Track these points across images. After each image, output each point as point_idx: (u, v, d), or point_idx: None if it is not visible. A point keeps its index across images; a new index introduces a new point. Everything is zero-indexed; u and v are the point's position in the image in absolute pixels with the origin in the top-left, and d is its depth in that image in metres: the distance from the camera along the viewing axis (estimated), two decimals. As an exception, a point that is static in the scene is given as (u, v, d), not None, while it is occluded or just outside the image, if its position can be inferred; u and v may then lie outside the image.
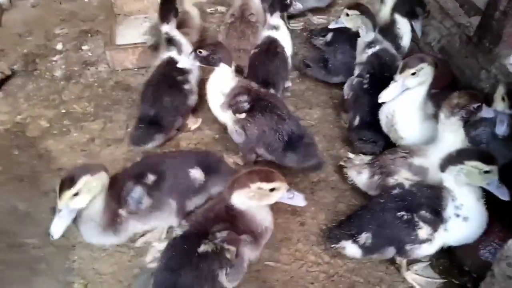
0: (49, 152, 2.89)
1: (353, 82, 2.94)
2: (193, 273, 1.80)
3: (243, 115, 2.56)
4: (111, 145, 2.96)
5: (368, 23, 2.88)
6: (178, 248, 1.88)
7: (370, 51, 2.90)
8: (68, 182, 1.90)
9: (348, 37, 3.16)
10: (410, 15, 3.16)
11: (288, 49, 3.21)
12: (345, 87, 3.01)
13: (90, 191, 1.94)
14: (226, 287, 1.90)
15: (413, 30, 3.29)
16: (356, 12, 2.89)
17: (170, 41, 3.02)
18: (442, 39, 3.46)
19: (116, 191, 2.14)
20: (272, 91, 2.97)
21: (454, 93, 2.29)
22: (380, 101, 2.54)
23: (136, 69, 3.53)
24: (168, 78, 2.92)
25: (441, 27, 3.47)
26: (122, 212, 2.14)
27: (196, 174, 2.30)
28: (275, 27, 3.14)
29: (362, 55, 2.95)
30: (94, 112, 3.20)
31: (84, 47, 3.81)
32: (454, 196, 1.99)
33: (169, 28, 3.02)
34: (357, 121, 2.84)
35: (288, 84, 3.39)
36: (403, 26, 3.21)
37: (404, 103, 2.50)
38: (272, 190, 1.91)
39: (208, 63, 2.60)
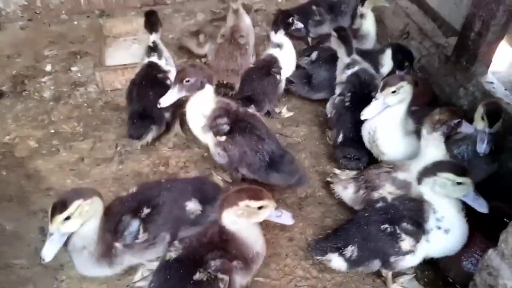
0: (38, 172, 2.90)
1: (335, 101, 3.04)
2: None
3: (224, 138, 2.58)
4: (101, 164, 2.98)
5: (342, 48, 3.01)
6: (172, 272, 1.89)
7: (349, 72, 3.03)
8: (60, 206, 1.90)
9: (332, 55, 3.26)
10: (397, 65, 3.25)
11: (288, 69, 3.33)
12: (328, 105, 3.11)
13: (82, 216, 1.94)
14: None
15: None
16: (335, 34, 3.04)
17: (154, 49, 3.29)
18: (422, 58, 3.60)
19: (111, 222, 2.13)
20: (252, 110, 2.99)
21: (436, 109, 2.38)
22: (362, 118, 2.63)
23: (125, 89, 3.57)
24: (151, 77, 3.18)
25: (420, 47, 3.62)
26: (118, 245, 2.13)
27: (193, 206, 2.29)
28: (279, 45, 3.25)
29: (342, 75, 3.07)
30: (83, 132, 3.23)
31: (73, 68, 3.86)
32: (435, 208, 2.06)
33: (156, 37, 3.30)
34: (340, 138, 2.92)
35: (277, 110, 3.43)
36: (389, 59, 3.30)
37: (385, 120, 2.59)
38: (260, 208, 1.94)
39: (195, 90, 2.54)
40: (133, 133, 2.94)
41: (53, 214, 1.89)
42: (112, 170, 2.94)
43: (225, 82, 3.48)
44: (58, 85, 3.67)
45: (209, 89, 2.57)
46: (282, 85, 3.36)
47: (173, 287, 1.85)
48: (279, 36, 3.25)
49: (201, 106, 2.61)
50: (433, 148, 2.29)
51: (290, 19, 3.25)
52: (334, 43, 3.10)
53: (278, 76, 3.27)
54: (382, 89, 2.51)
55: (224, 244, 1.94)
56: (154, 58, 3.27)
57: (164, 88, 2.89)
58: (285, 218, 2.04)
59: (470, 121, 2.45)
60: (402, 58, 3.21)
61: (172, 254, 1.94)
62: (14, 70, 3.77)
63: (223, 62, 3.54)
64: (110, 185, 2.83)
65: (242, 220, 1.96)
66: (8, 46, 4.06)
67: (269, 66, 3.25)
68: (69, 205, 1.89)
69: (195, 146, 3.13)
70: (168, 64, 3.31)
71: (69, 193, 1.99)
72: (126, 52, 4.03)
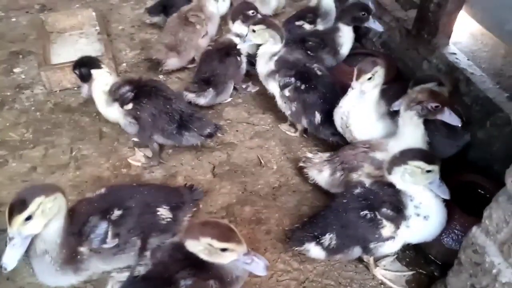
0: (-14, 187, 2.64)
1: (287, 94, 2.84)
2: None
3: (130, 105, 2.59)
4: (56, 172, 2.75)
5: (275, 35, 2.86)
6: None
7: (276, 57, 2.91)
8: (19, 205, 1.66)
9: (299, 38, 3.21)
10: (358, 21, 3.17)
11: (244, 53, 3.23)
12: (281, 103, 2.94)
13: (44, 214, 1.71)
14: None
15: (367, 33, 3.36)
16: (262, 26, 2.85)
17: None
18: (383, 34, 3.54)
19: (76, 225, 1.91)
20: (211, 91, 3.06)
21: (418, 87, 2.36)
22: (341, 109, 2.55)
23: (75, 88, 3.31)
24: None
25: (380, 22, 3.54)
26: (83, 249, 1.92)
27: (164, 212, 2.13)
28: (238, 35, 3.16)
29: (269, 64, 2.93)
30: (34, 138, 2.97)
31: (16, 70, 3.54)
32: (411, 196, 2.00)
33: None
34: (318, 118, 2.80)
35: (250, 88, 3.42)
36: (346, 35, 3.21)
37: (358, 105, 2.50)
38: (224, 250, 1.67)
39: (83, 78, 2.66)
40: None
41: (11, 215, 1.65)
42: (68, 177, 2.72)
43: (153, 57, 3.43)
44: (0, 89, 3.36)
45: (99, 72, 2.62)
46: (244, 66, 3.25)
47: None
48: (237, 26, 3.18)
49: (99, 86, 2.64)
50: (410, 127, 2.23)
51: (251, 12, 3.16)
52: (260, 36, 2.87)
53: (238, 57, 3.17)
54: (358, 77, 2.40)
55: (200, 262, 1.73)
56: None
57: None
58: (256, 267, 1.70)
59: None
60: (354, 15, 3.14)
61: (141, 270, 1.77)
62: None
63: (162, 36, 3.49)
64: (68, 193, 2.51)
65: (203, 256, 1.70)
66: None
67: (228, 48, 3.15)
68: (30, 203, 1.66)
69: (157, 144, 2.95)
70: None
71: (28, 190, 1.74)
72: (73, 47, 3.74)
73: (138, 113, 2.59)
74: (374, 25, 3.16)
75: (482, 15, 2.79)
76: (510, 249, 1.48)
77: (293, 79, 2.80)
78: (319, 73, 2.86)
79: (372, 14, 3.14)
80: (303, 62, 2.89)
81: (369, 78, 2.39)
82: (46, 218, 1.73)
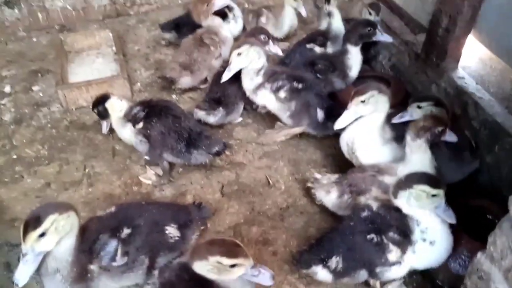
0: (1, 202, 2.71)
1: (282, 95, 2.95)
2: None
3: (141, 124, 2.71)
4: (69, 188, 2.81)
5: (260, 51, 2.93)
6: None
7: (262, 71, 2.99)
8: (33, 221, 1.71)
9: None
10: (366, 38, 3.20)
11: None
12: (277, 107, 3.04)
13: (58, 232, 1.77)
14: None
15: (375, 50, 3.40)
16: (246, 46, 2.90)
17: None
18: (392, 57, 3.59)
19: (86, 243, 1.96)
20: (222, 110, 3.13)
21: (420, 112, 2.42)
22: (335, 128, 2.58)
23: (91, 107, 3.41)
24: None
25: (390, 45, 3.60)
26: (93, 267, 1.96)
27: (172, 230, 2.17)
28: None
29: (255, 79, 3.01)
30: (49, 155, 3.05)
31: (35, 88, 3.66)
32: (418, 220, 2.01)
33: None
34: (320, 114, 2.90)
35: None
36: (354, 56, 3.23)
37: (361, 131, 2.53)
38: (233, 266, 1.71)
39: (101, 115, 2.88)
40: None
41: (26, 232, 1.70)
42: (81, 193, 2.78)
43: (167, 75, 3.50)
44: (19, 106, 3.47)
45: (112, 101, 2.81)
46: None
47: None
48: None
49: (115, 114, 2.81)
50: (418, 154, 2.27)
51: (262, 37, 3.26)
52: (247, 57, 2.93)
53: None
54: (352, 99, 2.45)
55: (206, 282, 1.76)
56: None
57: None
58: (263, 278, 1.78)
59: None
60: (360, 33, 3.17)
61: None
62: (-30, 94, 3.56)
63: (177, 56, 3.59)
64: (80, 210, 2.62)
65: (212, 276, 1.74)
66: (-37, 68, 3.83)
67: (239, 70, 3.18)
68: (44, 220, 1.71)
69: (168, 162, 3.01)
70: None
71: (42, 208, 1.81)
72: (90, 67, 3.86)
73: (148, 131, 2.69)
74: (382, 37, 3.17)
75: (490, 40, 2.82)
76: (514, 277, 1.48)
77: (285, 81, 2.91)
78: (308, 77, 3.02)
79: (378, 28, 3.17)
80: (286, 69, 3.05)
81: (363, 101, 2.42)
82: (58, 236, 1.79)
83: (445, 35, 2.94)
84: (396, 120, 2.52)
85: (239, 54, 2.90)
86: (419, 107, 2.54)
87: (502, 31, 2.68)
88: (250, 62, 2.95)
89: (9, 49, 4.12)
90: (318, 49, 3.57)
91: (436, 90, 3.08)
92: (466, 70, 2.99)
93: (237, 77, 3.17)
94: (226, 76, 2.96)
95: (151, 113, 2.73)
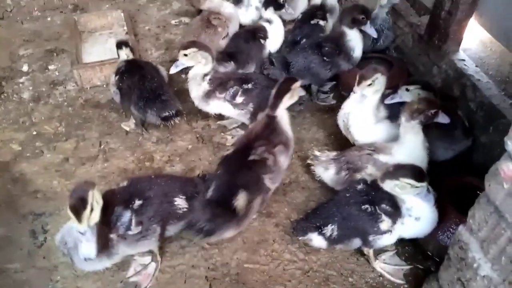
0: (24, 175, 2.92)
1: (239, 100, 2.96)
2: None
3: (117, 77, 3.10)
4: (86, 163, 3.01)
5: (207, 56, 2.90)
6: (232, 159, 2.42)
7: (208, 77, 2.97)
8: (79, 203, 1.89)
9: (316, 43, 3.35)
10: (357, 23, 3.22)
11: (274, 44, 3.55)
12: (236, 113, 3.04)
13: (99, 204, 1.97)
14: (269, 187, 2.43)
15: (365, 35, 3.37)
16: (194, 49, 2.88)
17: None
18: (397, 38, 3.66)
19: (105, 215, 2.12)
20: (232, 64, 3.33)
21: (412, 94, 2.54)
22: (343, 111, 2.75)
23: (104, 86, 3.57)
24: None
25: (395, 27, 3.67)
26: (113, 236, 2.16)
27: (181, 202, 2.33)
28: (268, 21, 3.50)
29: (202, 84, 2.98)
30: (66, 131, 3.24)
31: (51, 67, 3.83)
32: (403, 200, 2.17)
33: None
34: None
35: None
36: (354, 38, 3.25)
37: (357, 108, 2.68)
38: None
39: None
40: None
41: (78, 214, 1.88)
42: (97, 168, 2.98)
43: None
44: (36, 85, 3.65)
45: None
46: (266, 51, 3.53)
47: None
48: (269, 13, 3.49)
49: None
50: (412, 135, 2.40)
51: (282, 0, 3.46)
52: (193, 59, 2.90)
53: (262, 41, 3.48)
54: (359, 83, 2.58)
55: (269, 134, 2.43)
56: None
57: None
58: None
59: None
60: (353, 17, 3.20)
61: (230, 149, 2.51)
62: (-11, 73, 3.73)
63: (185, 37, 3.71)
64: (97, 184, 2.82)
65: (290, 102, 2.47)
66: (-18, 47, 4.00)
67: (255, 31, 3.48)
68: (87, 198, 1.91)
69: (178, 140, 3.17)
70: None
71: (78, 189, 1.96)
72: (103, 47, 4.00)
73: (120, 84, 3.08)
74: (369, 30, 3.23)
75: (491, 24, 2.89)
76: (489, 246, 1.63)
77: (236, 86, 2.95)
78: (252, 75, 3.17)
79: (370, 19, 3.22)
80: (231, 74, 3.16)
81: (369, 84, 2.56)
82: (99, 207, 1.98)
83: (448, 18, 3.00)
84: (387, 101, 2.67)
85: (185, 55, 2.87)
86: (407, 89, 2.66)
87: (502, 16, 2.75)
88: (197, 64, 2.93)
89: (25, 28, 4.27)
90: (322, 23, 3.66)
91: (437, 71, 3.17)
92: (466, 52, 3.07)
93: (251, 37, 3.46)
94: (172, 71, 2.96)
95: (126, 69, 3.11)
